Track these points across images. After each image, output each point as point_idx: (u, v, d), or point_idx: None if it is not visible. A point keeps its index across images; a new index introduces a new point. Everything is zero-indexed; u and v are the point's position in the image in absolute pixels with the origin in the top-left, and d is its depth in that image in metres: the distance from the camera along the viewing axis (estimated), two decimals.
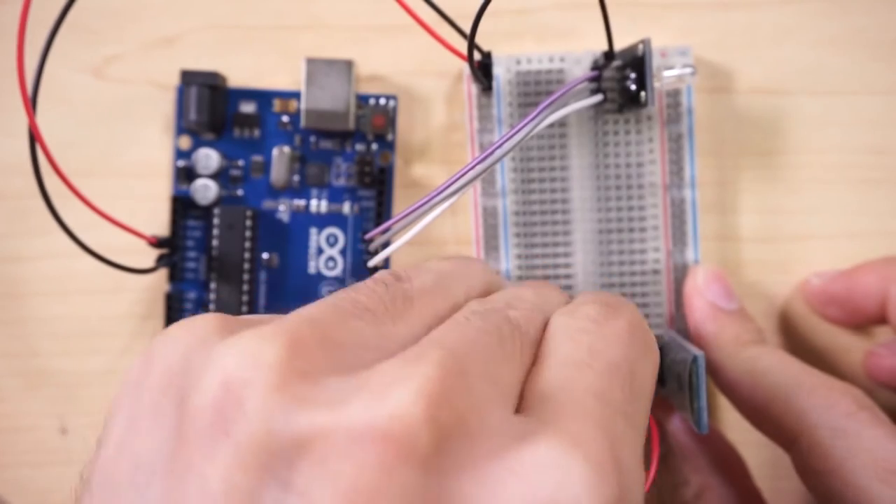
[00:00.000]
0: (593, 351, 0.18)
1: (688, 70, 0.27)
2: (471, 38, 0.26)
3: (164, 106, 0.31)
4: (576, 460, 0.14)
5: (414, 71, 0.30)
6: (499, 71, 0.29)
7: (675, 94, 0.29)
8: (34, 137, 0.24)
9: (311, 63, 0.29)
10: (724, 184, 0.30)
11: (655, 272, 0.29)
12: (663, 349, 0.29)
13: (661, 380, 0.29)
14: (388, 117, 0.30)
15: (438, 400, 0.14)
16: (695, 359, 0.25)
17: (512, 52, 0.29)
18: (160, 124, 0.31)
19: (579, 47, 0.29)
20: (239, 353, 0.14)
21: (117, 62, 0.31)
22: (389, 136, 0.30)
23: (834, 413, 0.23)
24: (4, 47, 0.30)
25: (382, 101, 0.30)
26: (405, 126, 0.31)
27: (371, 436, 0.13)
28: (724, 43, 0.30)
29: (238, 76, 0.31)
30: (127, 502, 0.14)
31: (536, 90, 0.29)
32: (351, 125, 0.30)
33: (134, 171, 0.31)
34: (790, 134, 0.30)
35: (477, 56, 0.28)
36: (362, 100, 0.30)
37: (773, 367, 0.25)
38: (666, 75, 0.27)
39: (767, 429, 0.24)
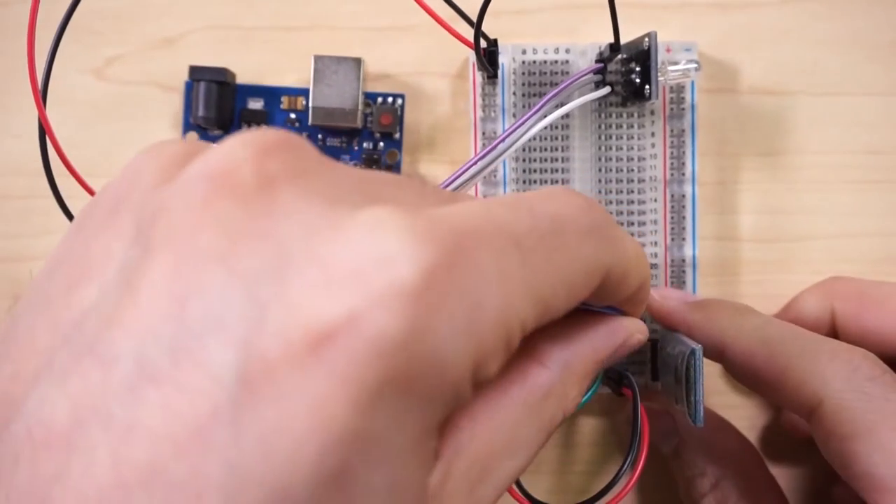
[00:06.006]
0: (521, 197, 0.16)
1: (692, 65, 0.28)
2: (477, 25, 0.26)
3: (165, 106, 0.31)
4: (402, 223, 0.13)
5: (417, 71, 0.30)
6: (504, 59, 0.29)
7: (678, 90, 0.29)
8: (46, 135, 0.24)
9: (320, 60, 0.29)
10: (723, 183, 0.30)
11: (653, 266, 0.29)
12: (659, 343, 0.29)
13: (656, 375, 0.29)
14: (396, 115, 0.30)
15: (268, 149, 0.14)
16: (693, 351, 0.25)
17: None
18: (162, 125, 0.31)
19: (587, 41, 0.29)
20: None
21: (118, 63, 0.31)
22: (396, 135, 0.30)
23: (858, 377, 0.22)
24: (8, 49, 0.30)
25: (390, 100, 0.30)
26: (408, 122, 0.30)
27: (198, 178, 0.14)
28: (724, 43, 0.30)
29: (238, 77, 0.30)
30: (38, 285, 0.15)
31: (541, 80, 0.29)
32: (359, 123, 0.29)
33: None
34: (790, 134, 0.30)
35: (483, 44, 0.28)
36: (370, 98, 0.30)
37: (784, 334, 0.24)
38: (671, 70, 0.27)
39: (784, 398, 0.24)
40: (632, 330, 0.21)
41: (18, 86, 0.26)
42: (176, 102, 0.31)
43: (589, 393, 0.26)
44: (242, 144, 0.14)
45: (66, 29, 0.25)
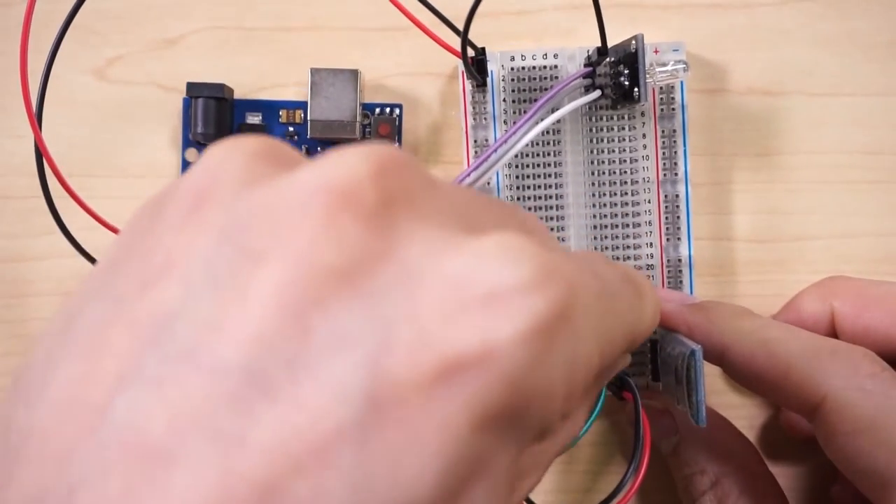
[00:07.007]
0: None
1: (680, 66, 0.28)
2: (464, 35, 0.26)
3: (166, 107, 0.31)
4: (536, 256, 0.13)
5: (413, 72, 0.31)
6: (493, 67, 0.29)
7: (668, 90, 0.29)
8: (38, 145, 0.24)
9: (317, 73, 0.29)
10: (720, 184, 0.30)
11: (649, 267, 0.29)
12: (659, 344, 0.29)
13: (656, 375, 0.29)
14: (394, 125, 0.30)
15: (386, 168, 0.14)
16: (692, 352, 0.25)
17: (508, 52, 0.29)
18: (162, 125, 0.31)
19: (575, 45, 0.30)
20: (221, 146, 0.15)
21: (119, 64, 0.31)
22: (395, 145, 0.30)
23: (859, 374, 0.23)
24: (8, 49, 0.30)
25: (388, 110, 0.30)
26: (406, 131, 0.31)
27: (317, 190, 0.13)
28: (720, 44, 0.30)
29: (240, 78, 0.31)
30: (100, 275, 0.15)
31: (531, 86, 0.29)
32: (357, 134, 0.30)
33: (136, 171, 0.31)
34: (786, 134, 0.30)
35: (471, 53, 0.28)
36: (367, 109, 0.30)
37: (784, 335, 0.25)
38: (659, 71, 0.27)
39: (786, 398, 0.24)
40: (622, 362, 0.22)
41: (19, 86, 0.26)
42: (176, 103, 0.31)
43: (590, 419, 0.26)
44: (361, 160, 0.14)
45: (68, 30, 0.25)
